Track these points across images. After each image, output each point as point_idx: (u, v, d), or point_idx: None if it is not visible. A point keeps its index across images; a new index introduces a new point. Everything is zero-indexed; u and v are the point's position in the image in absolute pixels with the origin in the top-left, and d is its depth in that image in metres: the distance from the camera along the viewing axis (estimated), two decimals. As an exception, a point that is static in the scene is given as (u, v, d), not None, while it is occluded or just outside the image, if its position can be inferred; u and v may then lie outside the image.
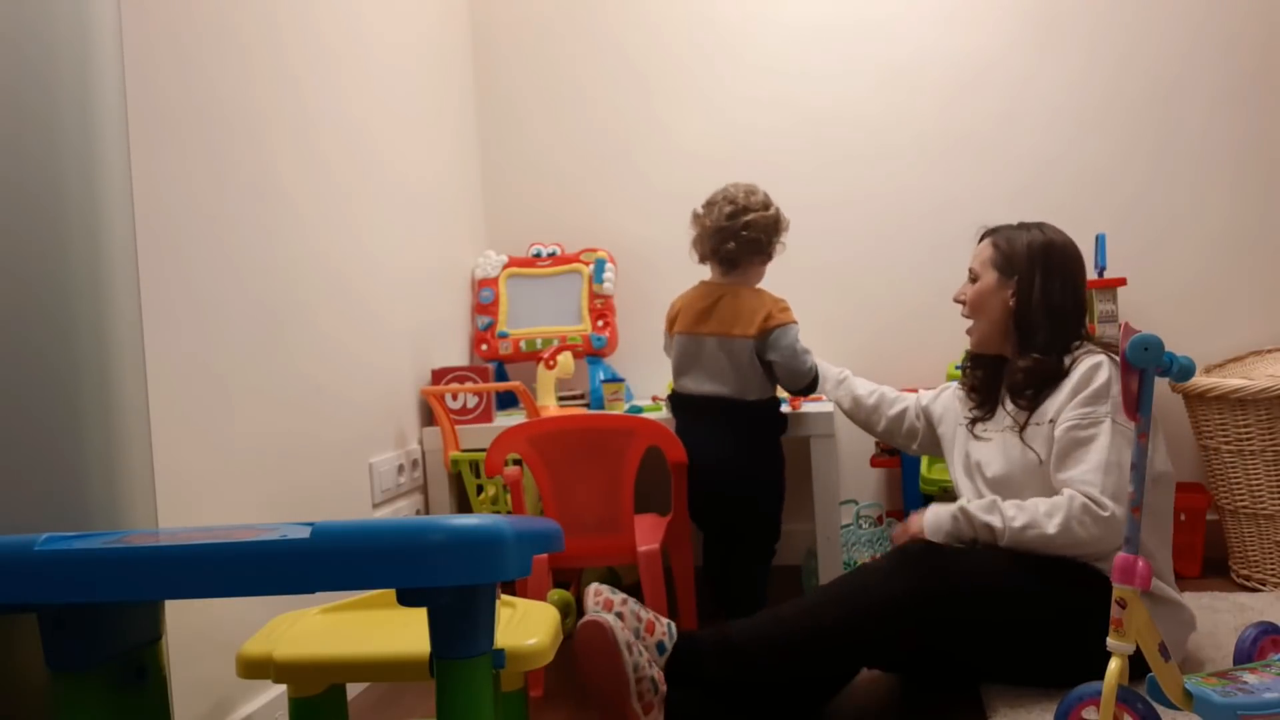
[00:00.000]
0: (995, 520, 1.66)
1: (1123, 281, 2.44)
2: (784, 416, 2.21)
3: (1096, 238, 2.49)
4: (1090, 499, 1.61)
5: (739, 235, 2.07)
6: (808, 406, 2.36)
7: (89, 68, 0.96)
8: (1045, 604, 1.61)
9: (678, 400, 2.16)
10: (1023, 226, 1.84)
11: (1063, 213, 2.66)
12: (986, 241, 1.88)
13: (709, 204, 2.13)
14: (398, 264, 2.42)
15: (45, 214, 0.91)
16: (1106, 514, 1.59)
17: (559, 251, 2.89)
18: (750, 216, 2.07)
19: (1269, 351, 2.53)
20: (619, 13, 2.93)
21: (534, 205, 2.99)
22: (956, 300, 1.91)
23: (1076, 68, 2.68)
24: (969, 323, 1.90)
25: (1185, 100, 2.63)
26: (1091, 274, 2.49)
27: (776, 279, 2.83)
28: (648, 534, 1.96)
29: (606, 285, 2.80)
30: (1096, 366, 1.70)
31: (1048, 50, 2.70)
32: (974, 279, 1.87)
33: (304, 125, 2.01)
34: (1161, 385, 2.41)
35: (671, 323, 2.19)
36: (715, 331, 2.08)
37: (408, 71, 2.57)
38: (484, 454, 2.01)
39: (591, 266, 2.82)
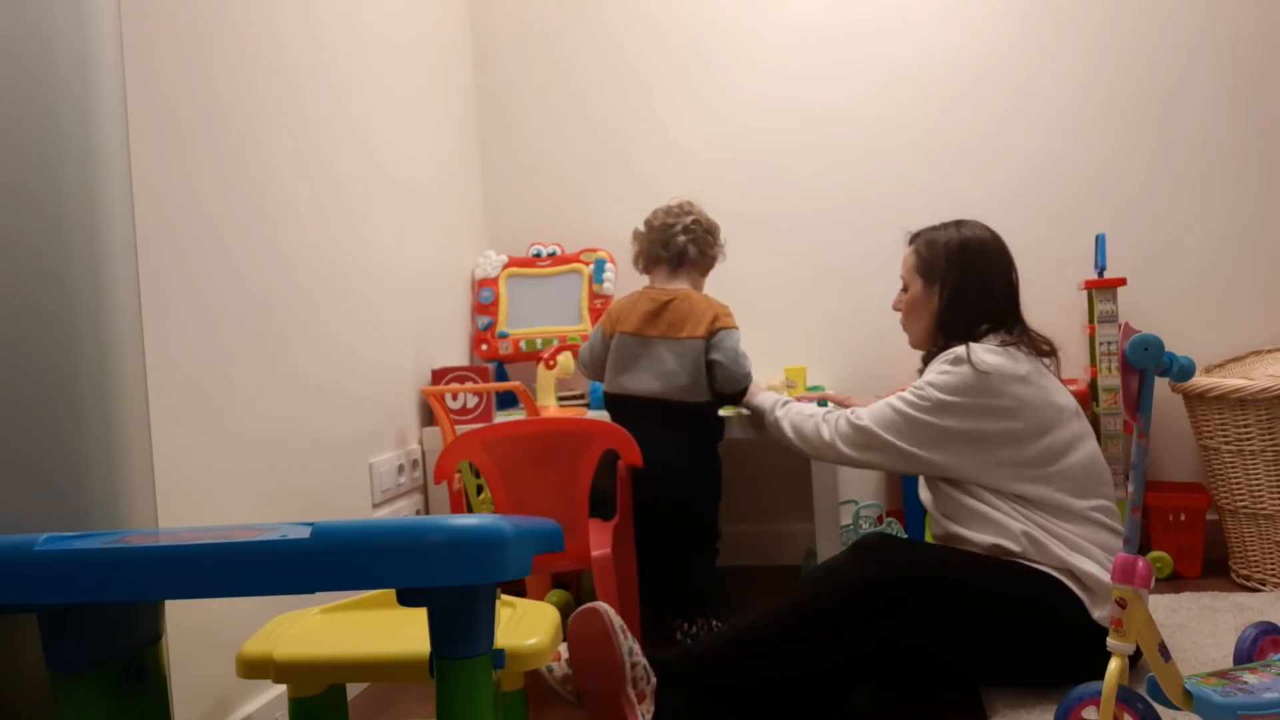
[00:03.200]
0: (784, 424, 1.98)
1: (1123, 281, 2.44)
2: (721, 423, 2.22)
3: (1096, 238, 2.50)
4: (857, 417, 1.84)
5: (690, 230, 2.19)
6: (808, 406, 2.36)
7: (89, 67, 0.96)
8: (995, 596, 1.63)
9: (617, 400, 2.15)
10: (942, 227, 1.89)
11: (1063, 213, 2.68)
12: (911, 249, 1.93)
13: (650, 216, 2.25)
14: (398, 264, 2.42)
15: (45, 214, 0.91)
16: (860, 422, 1.82)
17: (559, 251, 2.89)
18: (694, 215, 2.22)
19: (1269, 351, 2.53)
20: (619, 13, 2.93)
21: (534, 205, 2.99)
22: (895, 309, 1.98)
23: (1077, 68, 2.68)
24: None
25: (1185, 100, 2.63)
26: (1091, 274, 2.50)
27: (776, 277, 2.84)
28: (598, 539, 1.94)
29: (606, 285, 2.80)
30: (949, 353, 1.76)
31: (1048, 51, 2.70)
32: (905, 288, 1.93)
33: (304, 125, 2.01)
34: (1162, 385, 2.41)
35: (613, 324, 2.18)
36: (665, 334, 2.12)
37: (408, 72, 2.57)
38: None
39: (591, 266, 2.82)
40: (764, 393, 2.16)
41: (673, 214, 2.21)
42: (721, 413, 2.22)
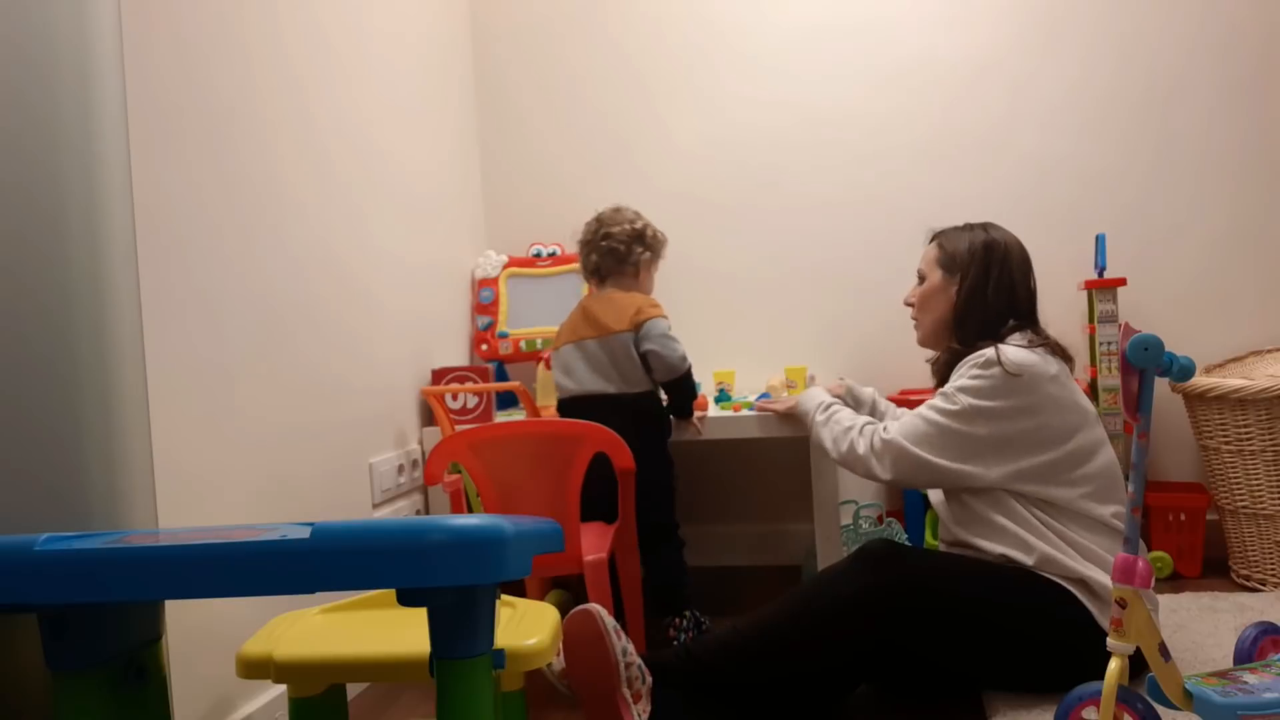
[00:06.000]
0: (824, 434, 1.94)
1: (1123, 281, 2.44)
2: (664, 412, 2.24)
3: (1096, 238, 2.50)
4: (886, 432, 1.79)
5: (599, 246, 2.25)
6: (808, 406, 2.35)
7: (89, 66, 0.96)
8: (1001, 608, 1.63)
9: (565, 404, 2.19)
10: (967, 227, 1.90)
11: (1063, 213, 2.68)
12: (933, 244, 1.94)
13: (584, 227, 2.31)
14: (398, 264, 2.42)
15: (45, 214, 0.91)
16: (888, 436, 1.78)
17: (559, 251, 2.89)
18: (610, 229, 2.25)
19: (1269, 351, 2.53)
20: (619, 13, 2.93)
21: (534, 205, 2.99)
22: (906, 303, 1.98)
23: (1076, 69, 2.68)
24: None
25: (1185, 100, 2.63)
26: (1091, 274, 2.50)
27: (776, 277, 2.84)
28: (594, 543, 1.93)
29: (606, 285, 2.79)
30: (978, 356, 1.74)
31: (1048, 51, 2.70)
32: (921, 280, 1.94)
33: (306, 124, 2.01)
34: (1162, 385, 2.41)
35: (556, 339, 2.26)
36: (594, 334, 2.16)
37: (408, 71, 2.57)
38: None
39: (591, 266, 2.82)
40: (809, 392, 2.13)
41: (589, 231, 2.29)
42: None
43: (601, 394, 2.13)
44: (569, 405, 2.17)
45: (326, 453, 2.03)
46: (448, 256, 2.77)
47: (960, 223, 1.93)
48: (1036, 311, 1.86)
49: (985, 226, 1.89)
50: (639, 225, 2.28)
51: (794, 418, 2.21)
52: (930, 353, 1.97)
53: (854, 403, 2.15)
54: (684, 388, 2.20)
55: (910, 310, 1.97)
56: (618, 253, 2.24)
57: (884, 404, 2.18)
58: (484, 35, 3.02)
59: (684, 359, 2.16)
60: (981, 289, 1.82)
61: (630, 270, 2.26)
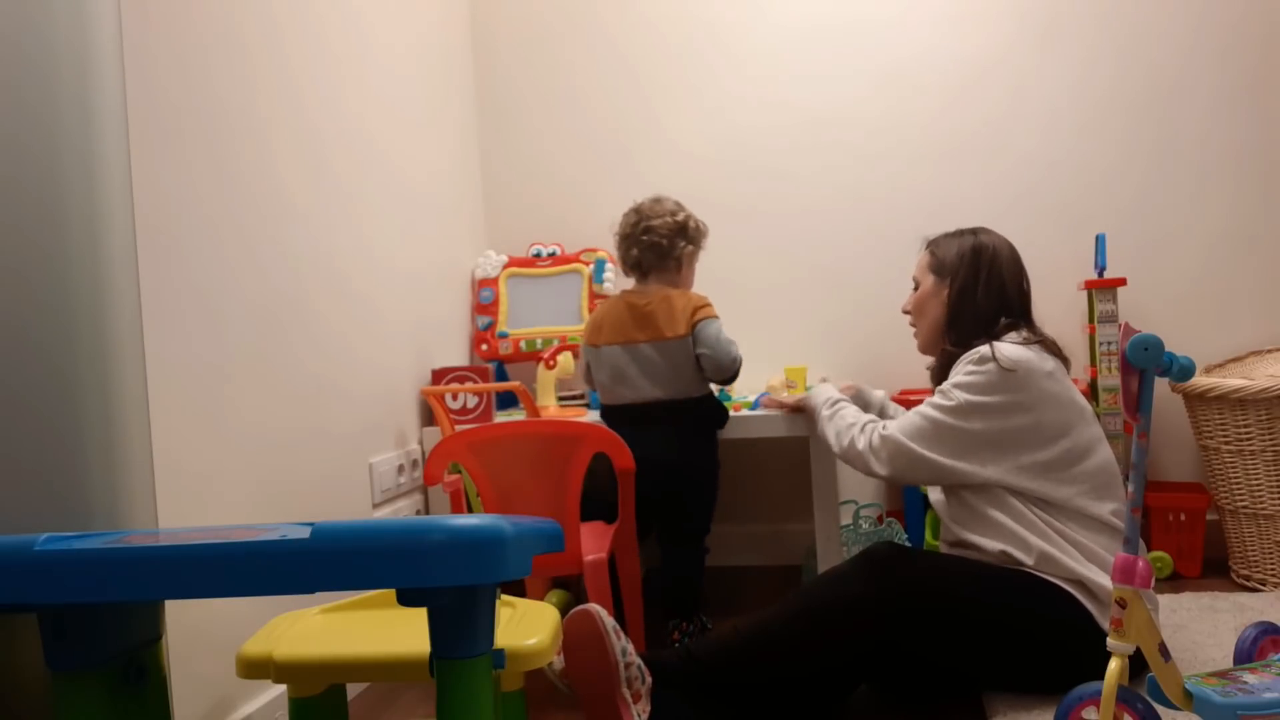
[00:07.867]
0: (828, 428, 1.95)
1: (1123, 281, 2.44)
2: (724, 411, 2.24)
3: (1096, 238, 2.50)
4: (885, 429, 1.81)
5: (640, 241, 2.19)
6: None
7: (89, 67, 0.96)
8: (1004, 610, 1.63)
9: (616, 411, 2.16)
10: (958, 233, 1.92)
11: (1063, 213, 2.68)
12: (926, 251, 1.96)
13: (622, 217, 2.25)
14: (398, 264, 2.42)
15: (45, 214, 0.91)
16: (886, 433, 1.80)
17: (559, 251, 2.89)
18: (652, 223, 2.19)
19: (1269, 351, 2.53)
20: (618, 14, 2.94)
21: (534, 205, 2.99)
22: (904, 311, 1.99)
23: (1076, 69, 2.68)
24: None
25: (1185, 100, 2.63)
26: (1091, 274, 2.50)
27: (776, 277, 2.84)
28: (594, 543, 1.93)
29: (606, 285, 2.80)
30: (974, 353, 1.75)
31: (1048, 51, 2.70)
32: (916, 287, 1.96)
33: (305, 125, 2.01)
34: (1162, 385, 2.41)
35: (595, 335, 2.20)
36: (651, 338, 2.13)
37: (408, 72, 2.57)
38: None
39: (591, 266, 2.82)
40: (819, 388, 2.13)
41: (629, 224, 2.23)
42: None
43: (662, 400, 2.11)
44: (623, 412, 2.14)
45: (326, 453, 2.03)
46: (448, 257, 2.77)
47: (954, 228, 1.95)
48: (1031, 312, 1.87)
49: (975, 231, 1.90)
50: (681, 217, 2.22)
51: (797, 416, 2.21)
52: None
53: (863, 405, 2.15)
54: (731, 381, 2.20)
55: (909, 318, 1.99)
56: (660, 247, 2.18)
57: (894, 408, 2.18)
58: (484, 35, 3.02)
59: (734, 360, 2.13)
60: (971, 290, 1.84)
61: (673, 265, 2.21)
